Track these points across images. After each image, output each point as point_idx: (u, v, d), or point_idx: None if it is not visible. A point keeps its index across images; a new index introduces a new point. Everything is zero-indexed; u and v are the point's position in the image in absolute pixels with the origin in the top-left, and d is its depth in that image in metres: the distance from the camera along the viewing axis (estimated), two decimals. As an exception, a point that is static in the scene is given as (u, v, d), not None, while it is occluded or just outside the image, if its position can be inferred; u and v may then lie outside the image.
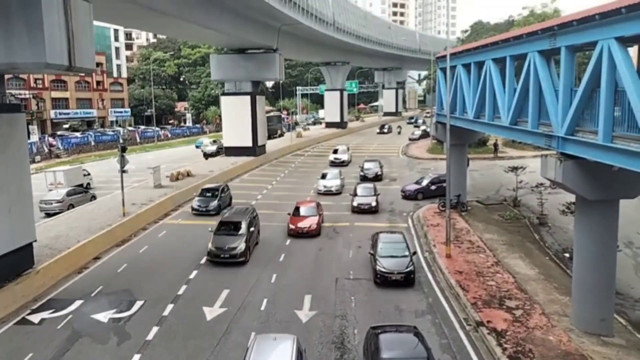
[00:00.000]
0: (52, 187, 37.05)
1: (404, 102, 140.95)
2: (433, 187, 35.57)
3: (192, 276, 21.76)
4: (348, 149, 54.81)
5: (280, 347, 12.96)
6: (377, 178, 42.11)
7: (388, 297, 19.25)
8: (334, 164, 50.20)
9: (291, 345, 12.90)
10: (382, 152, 62.14)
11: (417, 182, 37.55)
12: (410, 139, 73.47)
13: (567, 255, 23.28)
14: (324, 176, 39.27)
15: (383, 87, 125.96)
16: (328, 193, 37.41)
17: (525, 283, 20.02)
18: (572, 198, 19.92)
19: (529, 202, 33.26)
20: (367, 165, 44.01)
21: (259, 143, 56.28)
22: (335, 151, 53.21)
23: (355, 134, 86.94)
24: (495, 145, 54.28)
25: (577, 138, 15.21)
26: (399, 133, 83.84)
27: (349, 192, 35.18)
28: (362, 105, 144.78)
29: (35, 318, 17.99)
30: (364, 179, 41.38)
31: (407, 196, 35.92)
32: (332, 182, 38.25)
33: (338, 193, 37.34)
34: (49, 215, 31.63)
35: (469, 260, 22.59)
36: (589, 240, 16.32)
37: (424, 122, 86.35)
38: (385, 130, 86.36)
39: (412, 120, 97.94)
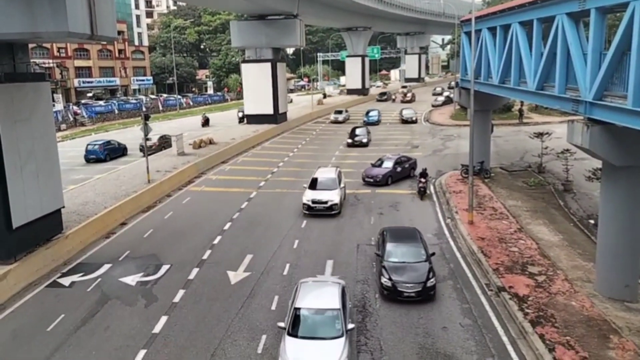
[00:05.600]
0: None
1: (427, 67, 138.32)
2: (399, 169, 31.75)
3: (216, 241, 22.15)
4: (339, 172, 27.76)
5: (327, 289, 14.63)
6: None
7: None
8: (312, 210, 25.16)
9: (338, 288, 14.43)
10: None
11: (378, 165, 31.81)
12: (433, 105, 72.64)
13: (592, 221, 23.00)
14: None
15: (405, 53, 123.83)
16: None
17: (549, 249, 19.91)
18: (598, 164, 19.59)
19: (554, 168, 32.77)
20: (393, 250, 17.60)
21: (280, 110, 56.23)
22: (314, 183, 26.27)
23: (377, 101, 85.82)
24: (521, 111, 53.29)
25: (606, 103, 14.82)
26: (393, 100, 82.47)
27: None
28: (384, 72, 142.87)
29: (65, 281, 18.62)
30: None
31: (377, 182, 30.30)
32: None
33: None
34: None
35: (492, 227, 22.50)
36: (615, 206, 16.08)
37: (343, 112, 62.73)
38: (385, 97, 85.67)
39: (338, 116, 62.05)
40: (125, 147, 42.91)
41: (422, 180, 28.06)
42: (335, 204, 25.14)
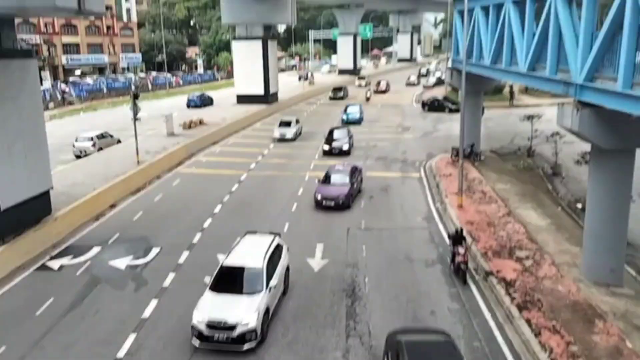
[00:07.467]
0: None
1: (419, 42, 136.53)
2: (355, 184, 25.15)
3: (206, 225, 22.10)
4: (275, 248, 15.64)
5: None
6: None
7: (398, 246, 19.51)
8: (206, 340, 13.17)
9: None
10: (396, 101, 61.38)
11: (327, 181, 24.93)
12: (424, 87, 72.48)
13: (579, 206, 23.19)
14: None
15: (398, 32, 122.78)
16: None
17: (537, 233, 20.07)
18: (587, 148, 19.65)
19: (543, 151, 32.90)
20: None
21: (271, 91, 55.79)
22: (220, 280, 14.37)
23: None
24: (511, 92, 53.24)
25: (596, 85, 14.82)
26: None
27: None
28: (375, 51, 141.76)
29: (54, 264, 18.54)
30: None
31: (339, 206, 23.47)
32: None
33: None
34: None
35: (481, 211, 22.61)
36: (602, 190, 16.19)
37: None
38: (341, 94, 63.57)
39: None
40: (212, 99, 59.36)
41: (460, 250, 16.74)
42: (251, 330, 13.03)
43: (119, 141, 37.04)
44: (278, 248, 15.86)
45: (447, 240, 18.20)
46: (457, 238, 17.05)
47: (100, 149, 34.87)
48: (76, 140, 35.08)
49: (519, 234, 19.94)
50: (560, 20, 16.69)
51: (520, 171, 29.26)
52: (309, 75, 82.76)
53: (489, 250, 18.41)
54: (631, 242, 19.21)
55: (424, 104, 54.31)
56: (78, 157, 33.64)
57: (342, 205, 23.54)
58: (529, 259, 17.72)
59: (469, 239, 18.05)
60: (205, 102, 57.90)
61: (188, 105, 56.54)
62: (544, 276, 16.41)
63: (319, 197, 23.85)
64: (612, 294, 15.37)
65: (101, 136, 36.22)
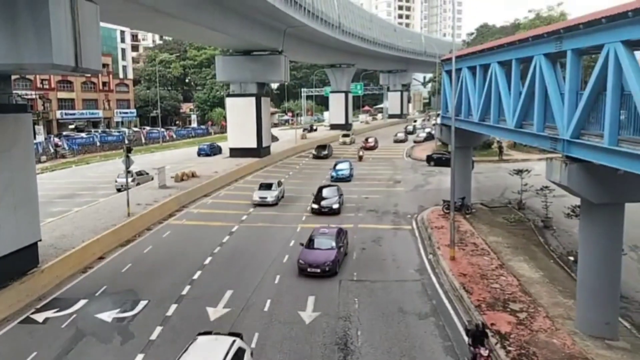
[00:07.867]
0: None
1: (409, 100, 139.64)
2: (342, 248, 23.25)
3: (195, 277, 21.78)
4: None
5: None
6: None
7: (391, 298, 19.27)
8: None
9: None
10: (388, 155, 62.18)
11: (311, 245, 22.95)
12: (415, 142, 73.63)
13: (571, 258, 23.20)
14: None
15: (388, 90, 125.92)
16: None
17: (530, 286, 19.95)
18: (577, 201, 19.88)
19: (533, 205, 33.17)
20: None
21: (264, 144, 56.46)
22: None
23: (359, 136, 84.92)
24: (500, 148, 54.21)
25: (583, 141, 15.17)
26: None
27: None
28: (366, 107, 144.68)
29: (39, 317, 18.06)
30: None
31: (325, 273, 21.43)
32: None
33: None
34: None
35: (473, 263, 22.53)
36: (594, 243, 16.25)
37: None
38: (325, 153, 59.84)
39: None
40: (221, 147, 62.11)
41: (483, 351, 13.83)
42: None
43: (152, 178, 41.90)
44: (238, 355, 12.65)
45: (465, 338, 15.08)
46: (478, 335, 14.04)
47: (139, 184, 39.88)
48: (118, 177, 40.14)
49: (512, 286, 19.81)
50: (546, 80, 17.30)
51: (511, 224, 29.39)
52: (312, 127, 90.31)
53: (482, 303, 18.22)
54: (625, 295, 19.14)
55: (429, 159, 53.51)
56: (119, 190, 38.21)
57: (329, 272, 21.43)
58: (523, 311, 17.53)
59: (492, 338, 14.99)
60: (214, 151, 61.84)
61: (199, 154, 60.57)
62: (538, 329, 16.22)
63: (302, 263, 21.70)
64: (607, 347, 15.16)
65: (139, 173, 42.42)
